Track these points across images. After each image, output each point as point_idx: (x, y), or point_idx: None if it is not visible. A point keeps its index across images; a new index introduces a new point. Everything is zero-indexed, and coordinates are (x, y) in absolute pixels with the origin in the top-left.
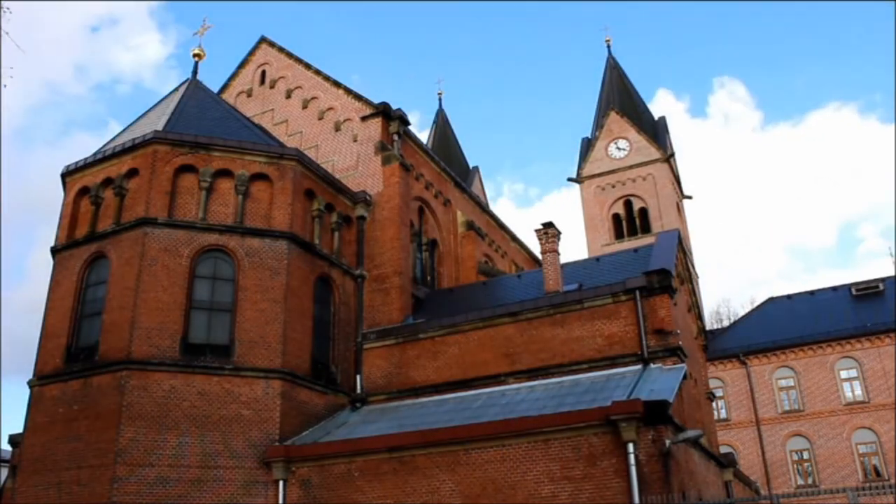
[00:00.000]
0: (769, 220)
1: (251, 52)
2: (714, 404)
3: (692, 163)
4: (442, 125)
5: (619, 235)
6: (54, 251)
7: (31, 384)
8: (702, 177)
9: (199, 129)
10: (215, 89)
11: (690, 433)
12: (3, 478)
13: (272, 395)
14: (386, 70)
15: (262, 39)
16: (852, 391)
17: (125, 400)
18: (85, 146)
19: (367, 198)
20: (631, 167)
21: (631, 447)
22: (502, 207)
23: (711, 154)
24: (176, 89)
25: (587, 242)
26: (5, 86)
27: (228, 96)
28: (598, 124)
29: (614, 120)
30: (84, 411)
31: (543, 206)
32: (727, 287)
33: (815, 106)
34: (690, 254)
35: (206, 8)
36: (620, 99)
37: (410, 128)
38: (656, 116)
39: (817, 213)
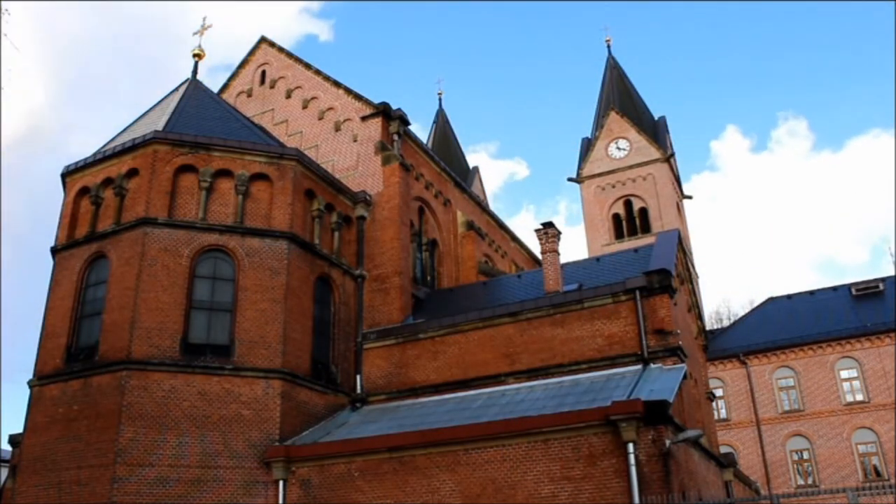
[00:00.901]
0: (802, 236)
1: (251, 52)
2: (714, 404)
3: (736, 184)
4: (442, 125)
5: (619, 235)
6: (54, 251)
7: (31, 384)
8: (739, 195)
9: (199, 129)
10: (215, 89)
11: (690, 433)
12: (3, 478)
13: (272, 395)
14: (386, 70)
15: (262, 39)
16: (852, 391)
17: (125, 400)
18: None
19: (367, 198)
20: (631, 167)
21: (631, 447)
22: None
23: (757, 176)
24: (176, 89)
25: (587, 242)
26: (4, 87)
27: (228, 96)
28: (598, 124)
29: (614, 120)
30: (84, 411)
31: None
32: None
33: (858, 132)
34: (690, 254)
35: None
36: (620, 99)
37: (410, 128)
38: (656, 116)
39: (852, 231)
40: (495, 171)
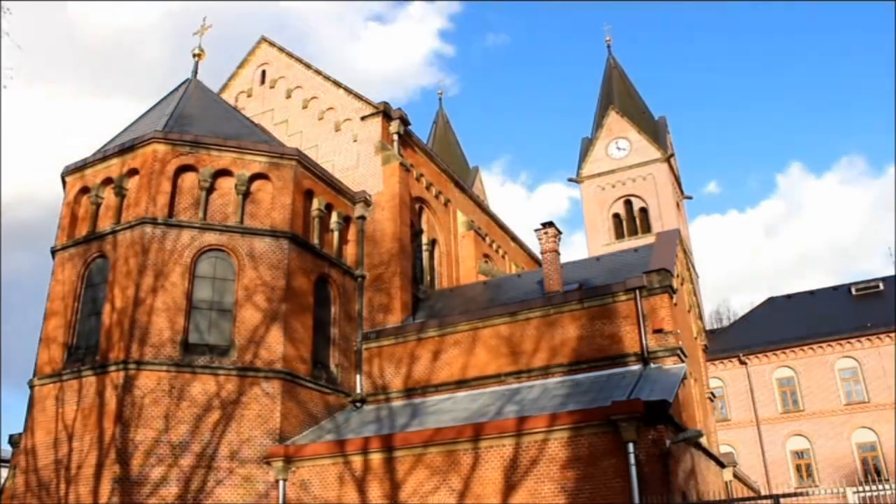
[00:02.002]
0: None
1: (251, 52)
2: (714, 404)
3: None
4: (442, 125)
5: (619, 235)
6: (54, 251)
7: (31, 384)
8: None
9: (199, 129)
10: (215, 89)
11: (690, 433)
12: (3, 478)
13: (272, 395)
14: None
15: (262, 39)
16: (853, 391)
17: (125, 400)
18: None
19: (367, 198)
20: (631, 167)
21: (631, 447)
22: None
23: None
24: (176, 89)
25: (587, 242)
26: (5, 86)
27: (228, 96)
28: (598, 124)
29: (614, 120)
30: (84, 411)
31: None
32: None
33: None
34: (690, 254)
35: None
36: (621, 99)
37: (410, 128)
38: (657, 116)
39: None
40: (563, 195)
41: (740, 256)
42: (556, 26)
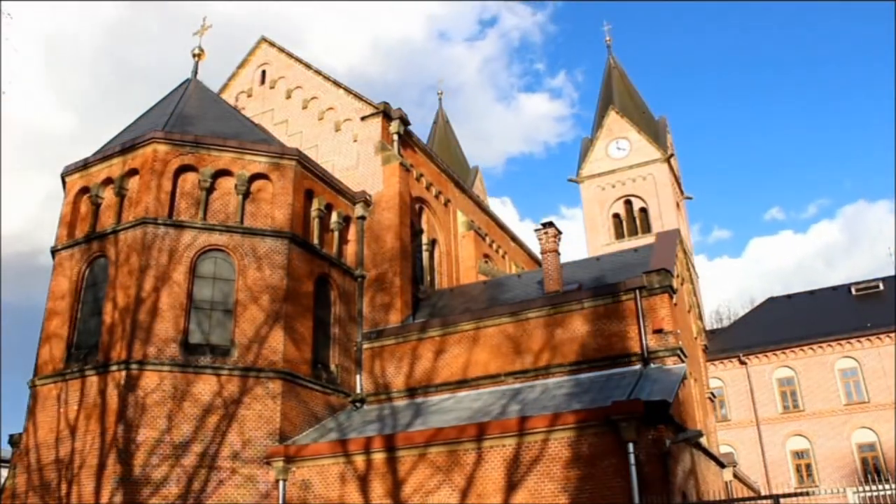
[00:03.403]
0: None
1: (251, 52)
2: (714, 404)
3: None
4: (442, 125)
5: (619, 235)
6: (54, 251)
7: (31, 384)
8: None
9: (199, 128)
10: (215, 89)
11: (690, 433)
12: (3, 478)
13: (272, 395)
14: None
15: (262, 39)
16: (853, 391)
17: (125, 400)
18: None
19: (367, 198)
20: (631, 167)
21: (631, 447)
22: None
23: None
24: (176, 89)
25: (587, 242)
26: (5, 91)
27: (228, 96)
28: (598, 124)
29: (614, 120)
30: (84, 411)
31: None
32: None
33: None
34: (691, 254)
35: None
36: (621, 99)
37: (410, 128)
38: (657, 117)
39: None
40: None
41: (794, 276)
42: (556, 26)
